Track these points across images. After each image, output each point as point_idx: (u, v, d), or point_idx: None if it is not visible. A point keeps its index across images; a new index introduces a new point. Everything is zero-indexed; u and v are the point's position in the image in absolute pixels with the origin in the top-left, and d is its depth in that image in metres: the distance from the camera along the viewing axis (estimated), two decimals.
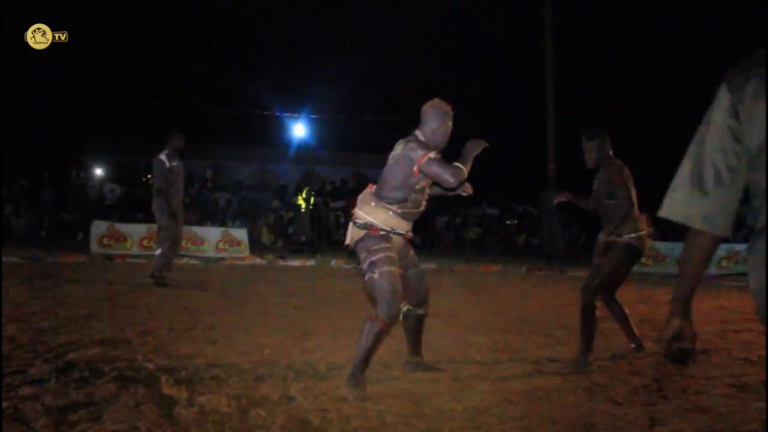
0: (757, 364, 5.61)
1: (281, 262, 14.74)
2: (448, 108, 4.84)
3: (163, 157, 9.49)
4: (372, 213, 4.70)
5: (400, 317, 4.99)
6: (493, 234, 22.51)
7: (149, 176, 17.86)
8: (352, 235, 4.76)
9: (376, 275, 4.49)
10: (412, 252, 5.01)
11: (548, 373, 5.19)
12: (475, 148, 4.75)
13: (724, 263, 14.43)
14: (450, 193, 5.04)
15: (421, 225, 19.34)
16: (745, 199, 2.12)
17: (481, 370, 5.24)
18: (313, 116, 25.56)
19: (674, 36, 25.33)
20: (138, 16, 24.21)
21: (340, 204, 20.92)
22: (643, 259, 14.70)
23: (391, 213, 4.68)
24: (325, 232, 19.32)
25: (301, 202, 18.22)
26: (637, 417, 4.10)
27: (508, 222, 23.29)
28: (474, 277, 12.69)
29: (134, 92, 24.46)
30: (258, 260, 14.99)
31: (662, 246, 15.33)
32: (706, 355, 5.94)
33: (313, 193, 18.59)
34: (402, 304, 4.89)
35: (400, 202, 4.69)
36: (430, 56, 26.77)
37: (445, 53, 26.71)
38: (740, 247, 14.97)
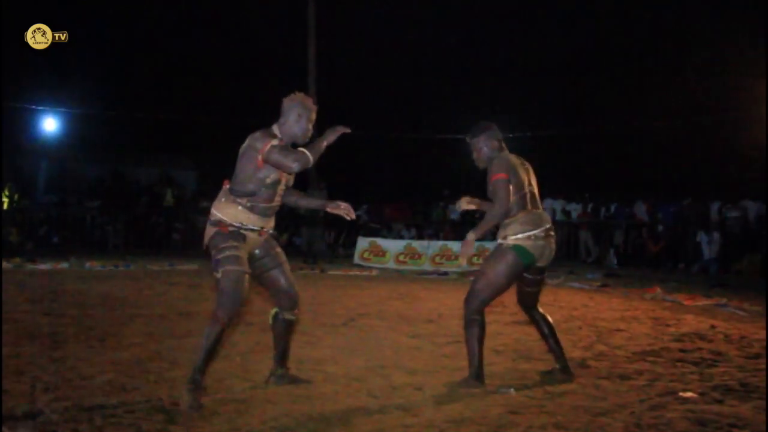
0: (502, 353, 6.13)
1: (30, 266, 13.81)
2: (308, 102, 4.72)
3: None
4: (221, 209, 4.56)
5: (269, 322, 4.93)
6: None
7: None
8: (206, 233, 4.60)
9: (219, 274, 4.40)
10: (278, 250, 4.84)
11: (308, 371, 5.27)
12: (330, 134, 4.60)
13: (475, 260, 15.38)
14: (331, 211, 4.95)
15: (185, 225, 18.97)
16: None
17: (239, 370, 5.25)
18: (64, 110, 24.00)
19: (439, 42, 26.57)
20: None
21: (95, 204, 20.00)
22: (401, 257, 15.59)
23: (240, 207, 4.53)
24: (79, 233, 18.40)
25: (4, 200, 16.98)
26: (393, 410, 4.30)
27: None
28: None
29: None
30: (4, 264, 13.94)
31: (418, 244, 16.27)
32: (457, 347, 6.33)
33: (16, 191, 17.40)
34: (271, 307, 4.90)
35: (250, 195, 4.54)
36: (197, 54, 26.29)
37: (209, 52, 26.33)
38: (489, 245, 16.09)
